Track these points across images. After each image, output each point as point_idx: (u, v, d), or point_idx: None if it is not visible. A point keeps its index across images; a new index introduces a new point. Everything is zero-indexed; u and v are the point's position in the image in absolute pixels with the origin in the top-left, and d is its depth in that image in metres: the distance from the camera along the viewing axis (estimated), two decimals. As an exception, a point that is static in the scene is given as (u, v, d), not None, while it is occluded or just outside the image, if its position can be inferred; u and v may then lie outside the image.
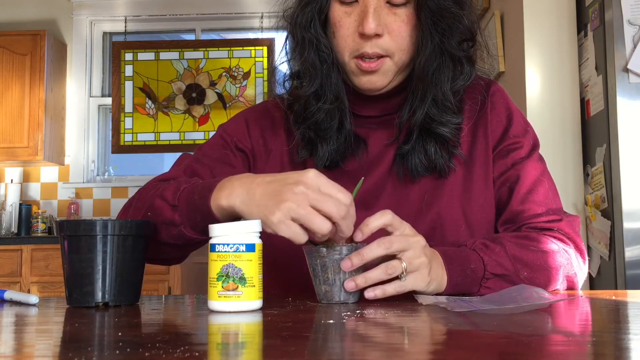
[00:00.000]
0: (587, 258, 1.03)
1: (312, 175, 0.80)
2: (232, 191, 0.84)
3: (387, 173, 1.04)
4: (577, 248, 1.01)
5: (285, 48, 1.08)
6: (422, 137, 1.01)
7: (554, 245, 0.96)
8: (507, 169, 1.03)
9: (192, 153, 1.12)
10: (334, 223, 0.79)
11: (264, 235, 0.81)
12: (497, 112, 1.06)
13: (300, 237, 0.78)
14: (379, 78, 0.98)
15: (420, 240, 0.84)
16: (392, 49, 0.96)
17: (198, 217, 0.88)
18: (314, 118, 1.02)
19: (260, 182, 0.83)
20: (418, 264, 0.83)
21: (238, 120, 1.14)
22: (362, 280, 0.81)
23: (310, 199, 0.78)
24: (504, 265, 0.91)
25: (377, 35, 0.94)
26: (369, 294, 0.82)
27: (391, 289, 0.82)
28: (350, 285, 0.82)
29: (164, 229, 0.92)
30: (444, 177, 1.02)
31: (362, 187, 0.97)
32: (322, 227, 0.77)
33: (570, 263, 0.97)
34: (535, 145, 1.06)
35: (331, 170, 1.05)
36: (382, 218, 0.83)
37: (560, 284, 0.97)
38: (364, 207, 1.02)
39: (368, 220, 0.83)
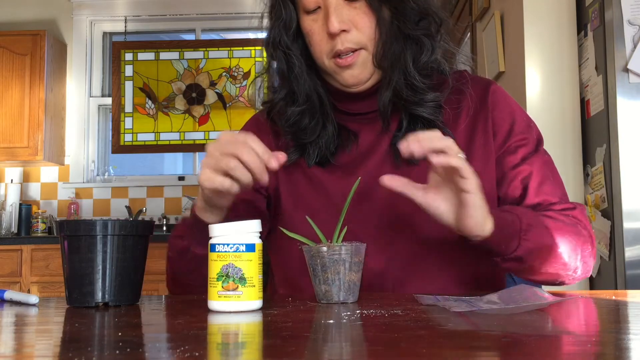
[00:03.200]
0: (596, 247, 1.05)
1: (221, 134, 0.88)
2: (198, 195, 0.95)
3: (382, 161, 1.05)
4: (590, 237, 1.03)
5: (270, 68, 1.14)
6: (410, 123, 1.04)
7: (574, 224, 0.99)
8: (517, 164, 1.04)
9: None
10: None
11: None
12: (499, 111, 1.07)
13: (222, 182, 0.85)
14: (360, 70, 1.02)
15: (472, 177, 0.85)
16: (362, 40, 1.01)
17: (196, 231, 0.95)
18: (291, 120, 1.06)
19: None
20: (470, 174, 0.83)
21: None
22: (416, 144, 0.82)
23: (217, 147, 0.86)
24: (536, 218, 0.94)
25: (344, 31, 0.99)
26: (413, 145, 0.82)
27: (456, 162, 0.82)
28: (403, 145, 0.82)
29: (184, 260, 1.01)
30: None
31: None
32: (229, 164, 0.84)
33: (587, 244, 0.99)
34: (540, 139, 1.08)
35: (323, 166, 1.07)
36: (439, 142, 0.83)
37: (576, 259, 0.98)
38: (364, 198, 1.02)
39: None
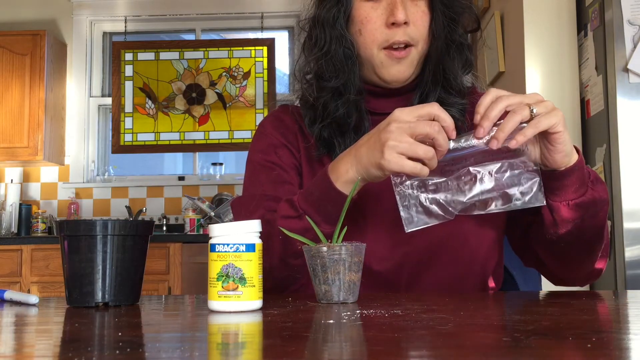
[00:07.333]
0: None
1: (397, 112, 0.86)
2: (345, 167, 0.91)
3: None
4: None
5: (304, 51, 1.11)
6: None
7: None
8: None
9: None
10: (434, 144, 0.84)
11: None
12: None
13: (414, 167, 0.83)
14: (407, 68, 1.04)
15: (549, 103, 0.86)
16: (416, 37, 1.03)
17: (329, 206, 0.92)
18: (338, 113, 1.05)
19: (359, 145, 0.90)
20: (549, 106, 0.84)
21: (264, 137, 1.14)
22: (501, 133, 0.83)
23: (405, 129, 0.84)
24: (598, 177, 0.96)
25: (406, 24, 1.01)
26: (511, 142, 0.83)
27: (530, 131, 0.83)
28: (493, 143, 0.84)
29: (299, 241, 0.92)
30: None
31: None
32: (427, 152, 0.83)
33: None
34: None
35: None
36: (499, 105, 0.84)
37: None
38: (383, 195, 1.02)
39: (488, 113, 0.84)
